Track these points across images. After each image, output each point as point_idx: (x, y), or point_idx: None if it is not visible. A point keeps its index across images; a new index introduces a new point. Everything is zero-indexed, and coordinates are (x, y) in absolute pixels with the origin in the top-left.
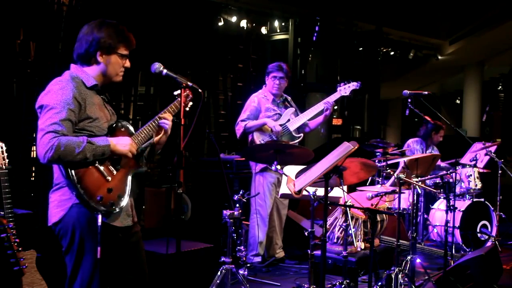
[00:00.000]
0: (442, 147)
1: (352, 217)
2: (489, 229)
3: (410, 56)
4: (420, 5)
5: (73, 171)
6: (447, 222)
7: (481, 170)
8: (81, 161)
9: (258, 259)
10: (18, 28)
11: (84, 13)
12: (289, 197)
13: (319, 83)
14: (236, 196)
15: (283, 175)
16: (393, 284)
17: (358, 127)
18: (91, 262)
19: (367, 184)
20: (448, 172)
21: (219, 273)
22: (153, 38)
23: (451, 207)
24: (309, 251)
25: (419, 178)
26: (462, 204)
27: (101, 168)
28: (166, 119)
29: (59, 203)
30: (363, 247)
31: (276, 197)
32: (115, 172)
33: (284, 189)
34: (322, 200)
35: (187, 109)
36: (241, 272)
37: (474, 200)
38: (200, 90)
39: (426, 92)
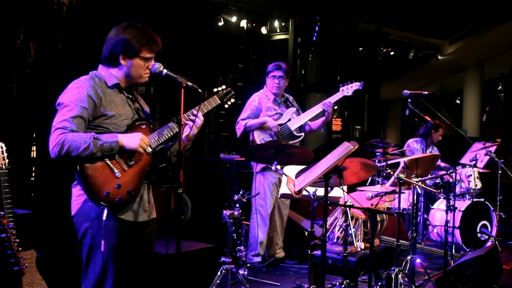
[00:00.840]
0: (442, 147)
1: (352, 217)
2: (489, 229)
3: (410, 56)
4: (420, 5)
5: (81, 166)
6: (447, 222)
7: (481, 170)
8: (88, 157)
9: (258, 259)
10: (18, 28)
11: (84, 13)
12: (289, 197)
13: (319, 83)
14: (236, 196)
15: (283, 175)
16: (393, 284)
17: (358, 127)
18: (102, 256)
19: (367, 184)
20: (448, 172)
21: (219, 273)
22: None
23: (451, 207)
24: (309, 251)
25: (419, 178)
26: (462, 204)
27: (111, 164)
28: (198, 117)
29: (76, 198)
30: (363, 247)
31: (277, 197)
32: (126, 168)
33: (284, 189)
34: (322, 200)
35: (226, 106)
36: (241, 272)
37: (474, 200)
38: (200, 90)
39: (426, 92)
